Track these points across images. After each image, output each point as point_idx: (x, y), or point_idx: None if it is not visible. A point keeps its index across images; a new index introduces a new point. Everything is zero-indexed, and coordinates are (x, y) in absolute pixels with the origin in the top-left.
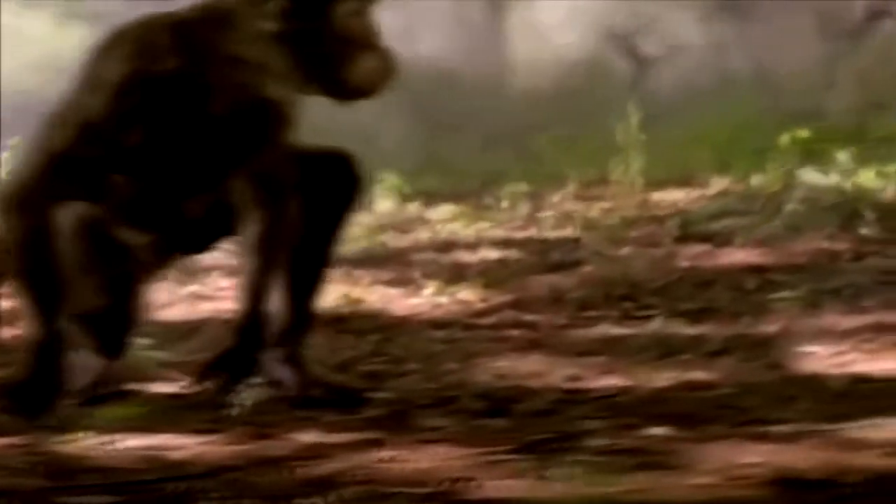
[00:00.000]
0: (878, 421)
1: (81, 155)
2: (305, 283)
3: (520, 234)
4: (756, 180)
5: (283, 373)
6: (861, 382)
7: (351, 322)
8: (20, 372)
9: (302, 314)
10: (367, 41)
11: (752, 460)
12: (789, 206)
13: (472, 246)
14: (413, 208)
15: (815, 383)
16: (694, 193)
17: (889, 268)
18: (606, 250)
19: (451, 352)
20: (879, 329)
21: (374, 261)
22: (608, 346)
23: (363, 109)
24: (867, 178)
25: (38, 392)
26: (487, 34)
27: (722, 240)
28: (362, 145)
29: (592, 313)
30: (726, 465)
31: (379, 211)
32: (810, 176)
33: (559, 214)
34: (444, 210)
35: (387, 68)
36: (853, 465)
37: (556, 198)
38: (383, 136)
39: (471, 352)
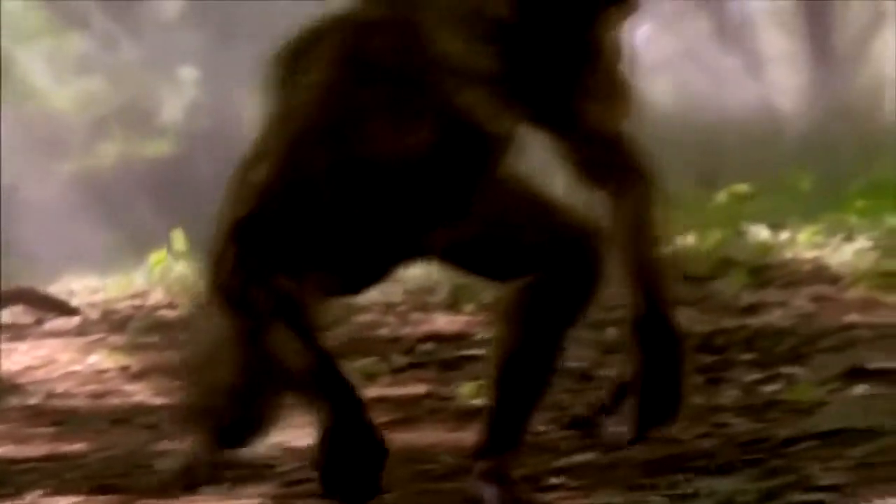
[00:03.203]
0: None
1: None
2: (522, 390)
3: None
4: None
5: (487, 490)
6: None
7: None
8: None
9: (513, 424)
10: (616, 66)
11: None
12: None
13: None
14: None
15: None
16: None
17: None
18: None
19: None
20: None
21: None
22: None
23: None
24: (806, 236)
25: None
26: None
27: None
28: None
29: None
30: None
31: None
32: (761, 233)
33: None
34: None
35: (630, 105)
36: None
37: None
38: None
39: None
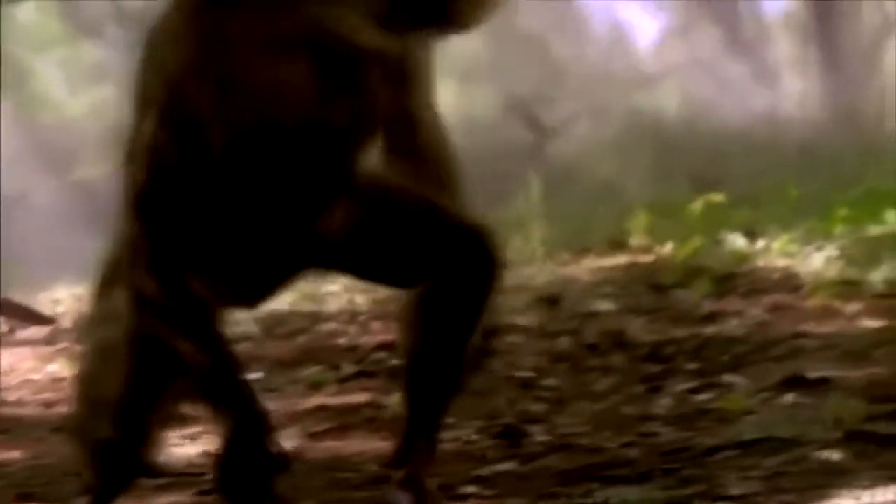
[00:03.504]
0: None
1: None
2: (429, 396)
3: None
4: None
5: (401, 499)
6: None
7: None
8: None
9: (423, 432)
10: None
11: None
12: None
13: None
14: None
15: None
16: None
17: None
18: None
19: None
20: None
21: None
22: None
23: None
24: (780, 245)
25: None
26: None
27: None
28: None
29: None
30: None
31: None
32: (737, 242)
33: None
34: None
35: None
36: None
37: None
38: None
39: None
